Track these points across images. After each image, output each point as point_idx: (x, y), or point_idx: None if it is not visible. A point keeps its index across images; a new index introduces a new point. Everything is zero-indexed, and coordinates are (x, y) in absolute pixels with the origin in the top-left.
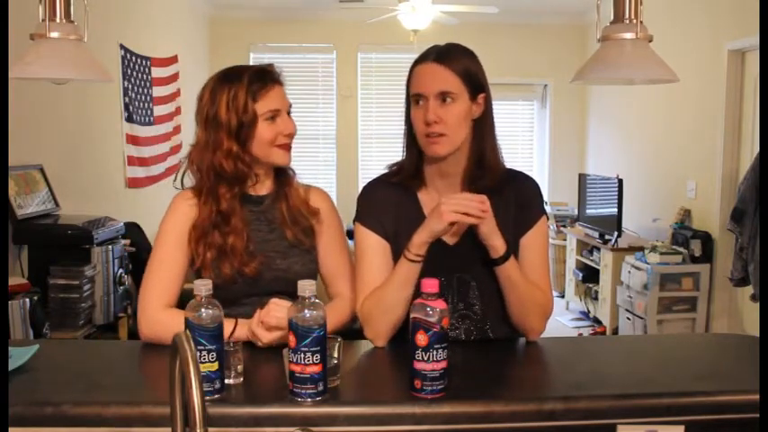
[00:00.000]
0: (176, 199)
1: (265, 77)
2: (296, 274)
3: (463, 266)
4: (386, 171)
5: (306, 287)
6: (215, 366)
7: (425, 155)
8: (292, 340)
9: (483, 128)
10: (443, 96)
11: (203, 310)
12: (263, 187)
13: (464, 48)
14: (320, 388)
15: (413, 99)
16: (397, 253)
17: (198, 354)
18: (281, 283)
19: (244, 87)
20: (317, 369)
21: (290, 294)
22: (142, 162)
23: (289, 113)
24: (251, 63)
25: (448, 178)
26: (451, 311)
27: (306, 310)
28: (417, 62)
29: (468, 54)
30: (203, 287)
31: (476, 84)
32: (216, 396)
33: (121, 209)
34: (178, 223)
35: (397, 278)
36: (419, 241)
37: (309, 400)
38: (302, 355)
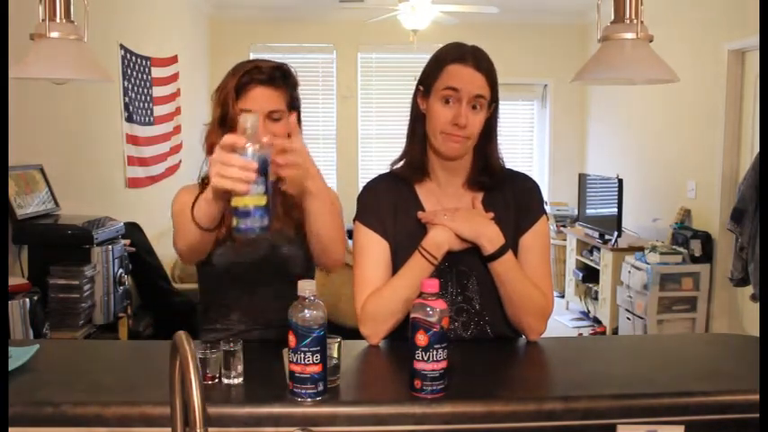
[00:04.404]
0: (179, 191)
1: (252, 76)
2: (282, 257)
3: (465, 259)
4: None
5: (306, 287)
6: (319, 368)
7: (434, 149)
8: (292, 340)
9: (489, 133)
10: (475, 103)
11: (307, 311)
12: None
13: (487, 55)
14: (320, 388)
15: (442, 95)
16: (397, 250)
17: (302, 355)
18: (269, 266)
19: (234, 81)
20: (317, 369)
21: (278, 280)
22: (142, 162)
23: (273, 118)
24: None
25: (452, 174)
26: (450, 304)
27: (306, 310)
28: (454, 60)
29: (492, 63)
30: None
31: (496, 94)
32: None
33: (121, 209)
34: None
35: (411, 276)
36: (440, 250)
37: (309, 400)
38: (302, 355)
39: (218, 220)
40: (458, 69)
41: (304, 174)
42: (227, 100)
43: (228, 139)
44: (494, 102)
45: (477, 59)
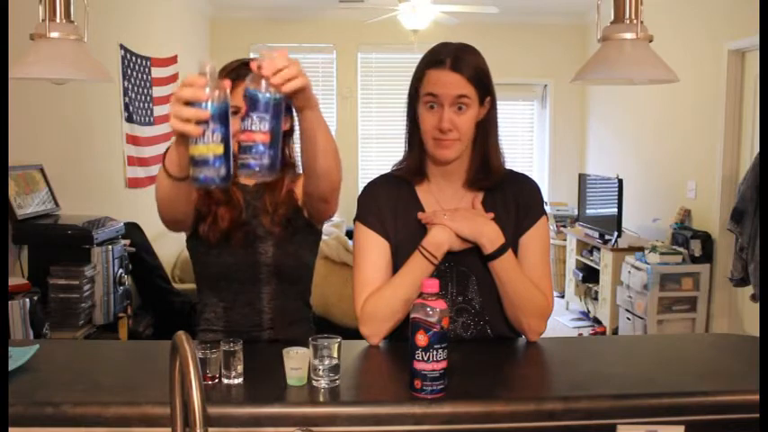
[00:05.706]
0: None
1: (239, 72)
2: (274, 258)
3: (465, 260)
4: (390, 171)
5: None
6: (220, 149)
7: (429, 154)
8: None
9: (487, 129)
10: (459, 104)
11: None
12: None
13: (474, 50)
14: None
15: (425, 101)
16: (398, 250)
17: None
18: (261, 269)
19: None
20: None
21: (272, 281)
22: (142, 162)
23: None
24: None
25: (450, 176)
26: (450, 304)
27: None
28: (432, 65)
29: (479, 57)
30: (207, 66)
31: (485, 88)
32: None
33: (121, 209)
34: None
35: (411, 276)
36: (440, 250)
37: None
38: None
39: (187, 168)
40: (435, 74)
41: (305, 81)
42: None
43: (188, 78)
44: (486, 96)
45: (456, 60)
